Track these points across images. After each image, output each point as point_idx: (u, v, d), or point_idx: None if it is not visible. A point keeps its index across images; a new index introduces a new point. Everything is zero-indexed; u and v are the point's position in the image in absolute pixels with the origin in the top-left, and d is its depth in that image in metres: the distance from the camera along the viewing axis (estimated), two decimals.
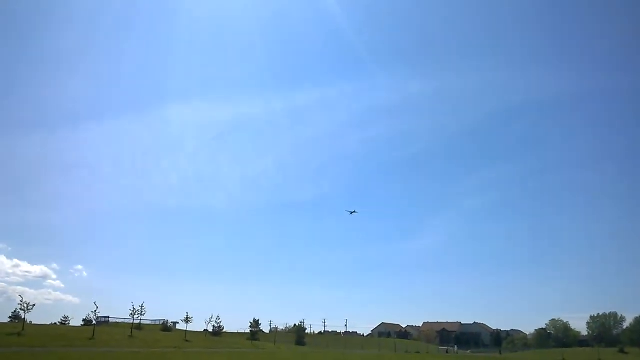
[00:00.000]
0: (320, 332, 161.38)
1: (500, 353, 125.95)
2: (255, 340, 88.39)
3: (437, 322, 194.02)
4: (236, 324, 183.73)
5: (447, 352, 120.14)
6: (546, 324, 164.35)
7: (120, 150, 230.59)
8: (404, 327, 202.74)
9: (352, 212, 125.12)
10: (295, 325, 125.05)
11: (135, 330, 68.50)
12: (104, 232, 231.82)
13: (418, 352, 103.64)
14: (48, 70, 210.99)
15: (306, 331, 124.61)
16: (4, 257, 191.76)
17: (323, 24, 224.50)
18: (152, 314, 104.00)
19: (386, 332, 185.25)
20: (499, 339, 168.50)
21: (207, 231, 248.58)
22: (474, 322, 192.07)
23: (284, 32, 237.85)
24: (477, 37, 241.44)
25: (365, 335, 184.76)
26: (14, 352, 36.99)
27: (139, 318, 71.72)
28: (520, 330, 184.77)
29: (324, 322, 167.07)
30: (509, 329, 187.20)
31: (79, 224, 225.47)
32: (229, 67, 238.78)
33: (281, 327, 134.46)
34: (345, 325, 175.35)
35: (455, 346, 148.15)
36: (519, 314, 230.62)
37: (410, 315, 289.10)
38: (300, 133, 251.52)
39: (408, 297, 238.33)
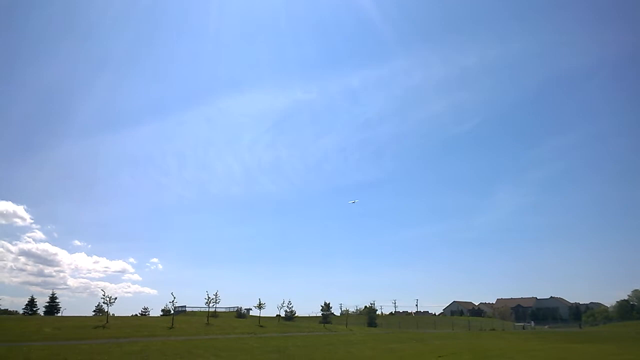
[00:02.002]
0: (391, 312, 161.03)
1: (581, 327, 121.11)
2: (327, 323, 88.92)
3: (512, 298, 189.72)
4: (307, 308, 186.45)
5: (523, 329, 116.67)
6: (628, 295, 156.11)
7: (183, 144, 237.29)
8: (476, 304, 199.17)
9: (353, 202, 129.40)
10: (365, 307, 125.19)
11: (211, 317, 70.45)
12: (175, 225, 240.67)
13: (493, 330, 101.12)
14: (109, 74, 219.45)
15: (377, 312, 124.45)
16: (85, 255, 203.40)
17: (369, 2, 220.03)
18: (226, 302, 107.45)
19: (458, 311, 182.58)
20: (578, 313, 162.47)
21: (272, 218, 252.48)
22: (550, 297, 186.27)
23: (330, 15, 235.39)
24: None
25: (437, 314, 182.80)
26: (101, 343, 38.66)
27: (214, 306, 73.54)
28: (600, 303, 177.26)
29: (394, 303, 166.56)
30: (588, 302, 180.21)
31: (151, 218, 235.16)
32: (281, 54, 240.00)
33: (352, 309, 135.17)
34: (416, 305, 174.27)
35: (532, 322, 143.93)
36: (598, 286, 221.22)
37: (483, 292, 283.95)
38: (357, 114, 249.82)
39: (479, 274, 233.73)
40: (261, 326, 67.88)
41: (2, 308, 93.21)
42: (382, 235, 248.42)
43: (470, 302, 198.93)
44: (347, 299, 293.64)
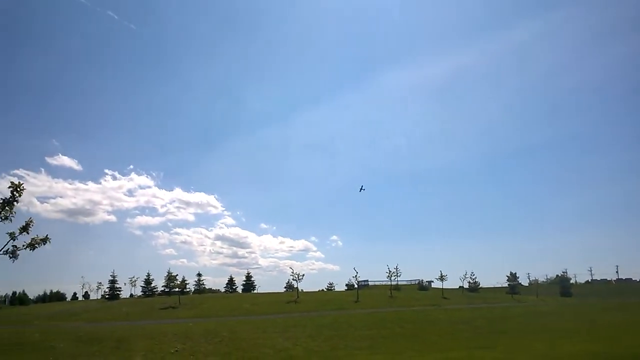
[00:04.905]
0: (587, 281, 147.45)
1: None
2: (515, 294, 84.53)
3: None
4: (491, 278, 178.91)
5: None
6: None
7: (349, 126, 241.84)
8: None
9: (361, 189, 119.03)
10: (557, 275, 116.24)
11: (393, 290, 71.39)
12: (349, 203, 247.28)
13: None
14: (274, 66, 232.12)
15: (570, 281, 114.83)
16: (271, 236, 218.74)
17: None
18: (407, 275, 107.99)
19: None
20: None
21: (445, 188, 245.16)
22: None
23: None
24: None
25: None
26: (294, 317, 41.25)
27: (396, 279, 74.55)
28: None
29: (590, 270, 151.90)
30: None
31: (326, 198, 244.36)
32: (436, 20, 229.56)
33: (541, 279, 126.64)
34: (617, 272, 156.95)
35: None
36: None
37: None
38: (525, 72, 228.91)
39: None
40: (445, 298, 66.93)
41: (207, 288, 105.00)
42: (569, 198, 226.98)
43: None
44: (535, 268, 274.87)
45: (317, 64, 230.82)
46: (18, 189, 8.43)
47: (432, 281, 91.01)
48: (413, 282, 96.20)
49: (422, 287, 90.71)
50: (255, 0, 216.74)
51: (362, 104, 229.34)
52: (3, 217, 8.27)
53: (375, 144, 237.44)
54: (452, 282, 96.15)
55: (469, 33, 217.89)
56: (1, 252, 8.31)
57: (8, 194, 8.38)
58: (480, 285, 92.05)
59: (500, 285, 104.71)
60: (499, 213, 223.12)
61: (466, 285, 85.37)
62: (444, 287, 75.50)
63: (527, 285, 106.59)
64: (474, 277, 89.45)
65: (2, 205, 8.32)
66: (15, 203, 8.42)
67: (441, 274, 75.70)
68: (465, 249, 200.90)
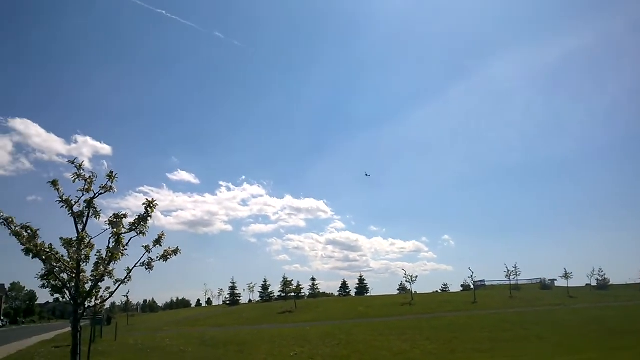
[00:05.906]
0: None
1: None
2: None
3: None
4: (623, 274, 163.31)
5: None
6: None
7: (454, 121, 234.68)
8: None
9: (367, 175, 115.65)
10: None
11: (513, 290, 68.36)
12: (459, 201, 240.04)
13: None
14: (371, 70, 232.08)
15: None
16: (381, 238, 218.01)
17: None
18: (526, 274, 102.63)
19: None
20: None
21: (561, 180, 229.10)
22: None
23: None
24: None
25: None
26: (409, 319, 40.94)
27: (515, 278, 71.42)
28: None
29: None
30: None
31: (435, 197, 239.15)
32: (541, 4, 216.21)
33: None
34: None
35: None
36: None
37: None
38: None
39: None
40: (571, 297, 63.11)
41: (321, 291, 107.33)
42: None
43: None
44: None
45: (418, 61, 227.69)
46: (151, 206, 9.26)
47: (555, 279, 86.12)
48: (534, 281, 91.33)
49: (545, 286, 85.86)
50: (352, 3, 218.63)
51: (467, 97, 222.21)
52: (139, 232, 9.13)
53: (484, 138, 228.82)
54: (578, 280, 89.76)
55: (580, 12, 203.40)
56: (138, 265, 9.19)
57: (142, 210, 9.23)
58: (610, 282, 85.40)
59: (633, 282, 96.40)
60: (625, 203, 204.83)
61: (594, 283, 79.81)
62: (569, 286, 71.13)
63: None
64: (602, 274, 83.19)
65: (138, 221, 9.18)
66: (149, 218, 9.25)
67: (565, 271, 71.60)
68: (590, 243, 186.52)
